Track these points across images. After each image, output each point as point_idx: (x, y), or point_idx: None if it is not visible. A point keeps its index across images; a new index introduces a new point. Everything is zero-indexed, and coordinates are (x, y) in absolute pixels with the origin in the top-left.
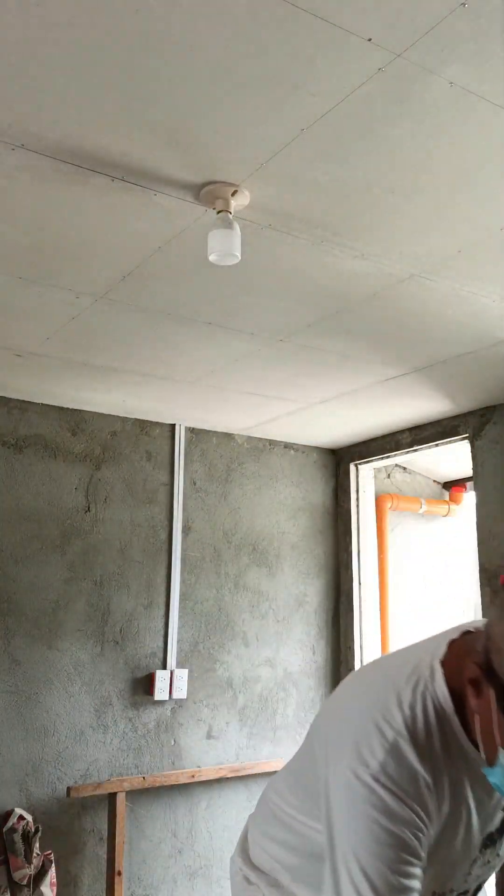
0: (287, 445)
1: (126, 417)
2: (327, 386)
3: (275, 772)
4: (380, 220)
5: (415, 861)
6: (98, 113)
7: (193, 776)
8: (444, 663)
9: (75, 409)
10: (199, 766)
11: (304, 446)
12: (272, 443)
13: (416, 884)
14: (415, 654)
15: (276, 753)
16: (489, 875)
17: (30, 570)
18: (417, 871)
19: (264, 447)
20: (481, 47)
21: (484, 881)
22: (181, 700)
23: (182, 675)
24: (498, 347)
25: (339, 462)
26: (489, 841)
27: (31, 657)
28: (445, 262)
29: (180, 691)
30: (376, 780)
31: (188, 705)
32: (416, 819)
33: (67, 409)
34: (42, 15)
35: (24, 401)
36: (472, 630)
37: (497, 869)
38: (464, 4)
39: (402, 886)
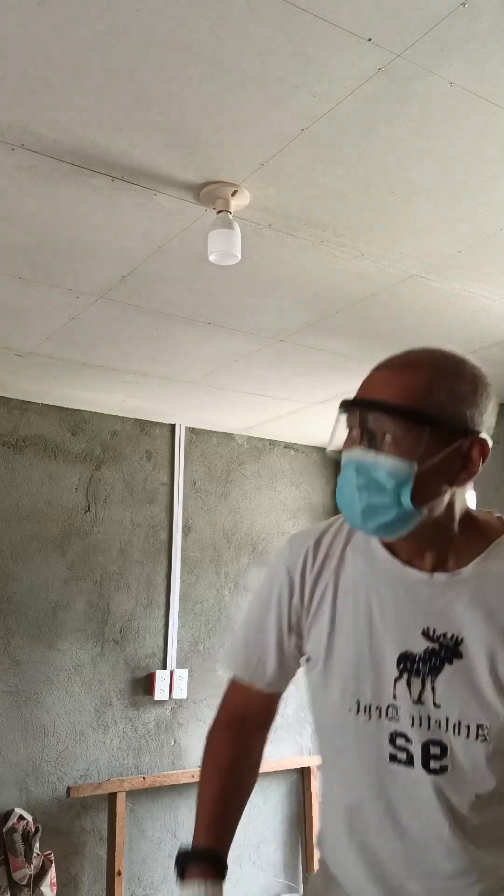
0: (287, 445)
1: (126, 417)
2: (327, 386)
3: (275, 772)
4: (380, 220)
5: (271, 623)
6: (98, 113)
7: (193, 776)
8: None
9: (75, 409)
10: (199, 767)
11: (304, 446)
12: (272, 443)
13: (267, 648)
14: None
15: (276, 753)
16: (437, 715)
17: (30, 570)
18: (272, 636)
19: (264, 447)
20: (481, 47)
21: (439, 725)
22: (181, 700)
23: (182, 675)
24: (498, 347)
25: (339, 462)
26: (409, 664)
27: (31, 657)
28: (445, 262)
29: (180, 691)
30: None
31: (188, 705)
32: (286, 581)
33: (67, 409)
34: (43, 15)
35: (24, 401)
36: None
37: (452, 718)
38: (464, 4)
39: (248, 640)
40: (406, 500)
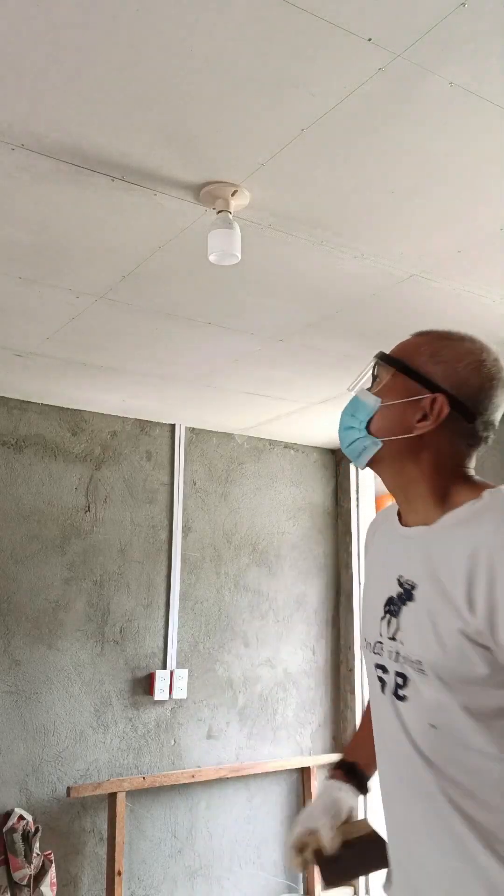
0: (287, 445)
1: (126, 417)
2: (327, 386)
3: (275, 772)
4: (380, 220)
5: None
6: (98, 113)
7: (193, 776)
8: None
9: (75, 409)
10: (199, 766)
11: (304, 446)
12: (272, 443)
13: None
14: None
15: (276, 753)
16: (403, 651)
17: (30, 570)
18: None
19: (264, 447)
20: (481, 47)
21: (406, 659)
22: (181, 700)
23: (182, 675)
24: (498, 347)
25: (339, 462)
26: (392, 606)
27: (31, 657)
28: (445, 262)
29: (180, 691)
30: None
31: (188, 705)
32: (365, 549)
33: (67, 409)
34: (42, 15)
35: (24, 401)
36: None
37: (414, 658)
38: (464, 4)
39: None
40: (362, 426)
